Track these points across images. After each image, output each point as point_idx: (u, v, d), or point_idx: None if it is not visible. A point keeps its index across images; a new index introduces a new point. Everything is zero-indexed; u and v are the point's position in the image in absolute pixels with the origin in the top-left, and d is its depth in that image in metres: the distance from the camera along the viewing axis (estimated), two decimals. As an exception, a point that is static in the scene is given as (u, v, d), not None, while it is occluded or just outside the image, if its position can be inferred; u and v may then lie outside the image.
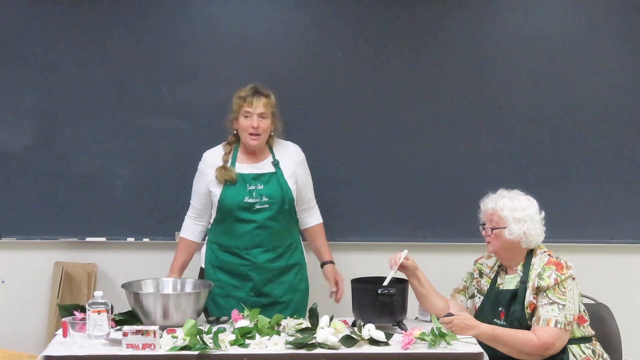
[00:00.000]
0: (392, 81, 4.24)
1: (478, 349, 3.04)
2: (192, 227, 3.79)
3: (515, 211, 3.26)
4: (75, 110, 4.19)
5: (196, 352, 2.95)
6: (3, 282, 4.27)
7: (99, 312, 3.06)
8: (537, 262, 3.26)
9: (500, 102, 4.26)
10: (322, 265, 3.85)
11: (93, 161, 4.21)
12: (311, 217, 3.86)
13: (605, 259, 4.35)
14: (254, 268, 3.68)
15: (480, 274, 3.45)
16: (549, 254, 3.28)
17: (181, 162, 4.19)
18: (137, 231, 4.24)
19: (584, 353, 3.23)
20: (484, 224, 3.36)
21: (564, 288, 3.18)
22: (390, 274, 3.31)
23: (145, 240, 4.25)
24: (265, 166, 3.71)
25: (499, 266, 3.40)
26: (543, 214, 3.32)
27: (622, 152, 4.29)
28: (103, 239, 4.23)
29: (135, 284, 3.46)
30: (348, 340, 3.04)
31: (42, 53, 4.16)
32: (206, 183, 3.70)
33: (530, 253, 3.30)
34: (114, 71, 4.19)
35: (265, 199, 3.65)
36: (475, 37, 4.24)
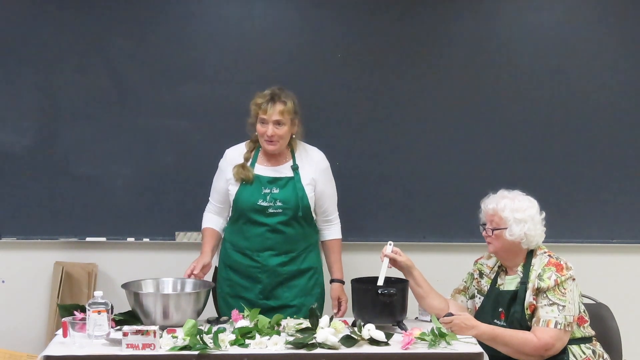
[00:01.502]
0: (392, 81, 4.24)
1: (478, 349, 3.04)
2: (214, 219, 3.75)
3: (516, 212, 3.26)
4: (75, 110, 4.19)
5: (196, 352, 2.95)
6: (3, 282, 4.27)
7: (99, 312, 3.06)
8: (537, 262, 3.26)
9: (500, 102, 4.26)
10: (330, 282, 3.78)
11: (93, 161, 4.21)
12: (329, 230, 3.78)
13: (605, 259, 4.35)
14: (263, 271, 3.64)
15: (481, 275, 3.45)
16: (549, 255, 3.28)
17: (181, 162, 4.20)
18: (137, 231, 4.24)
19: (584, 353, 3.23)
20: (485, 225, 3.36)
21: (564, 289, 3.18)
22: (382, 268, 3.30)
23: (145, 240, 4.25)
24: (283, 170, 3.67)
25: (499, 267, 3.40)
26: (544, 214, 3.32)
27: (622, 152, 4.29)
28: (103, 239, 4.23)
29: (135, 284, 3.46)
30: (348, 340, 3.04)
31: (42, 53, 4.16)
32: (225, 181, 3.68)
33: (531, 254, 3.30)
34: (114, 71, 4.19)
35: (279, 204, 3.61)
36: (475, 37, 4.24)
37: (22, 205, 4.19)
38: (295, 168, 3.66)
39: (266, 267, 3.64)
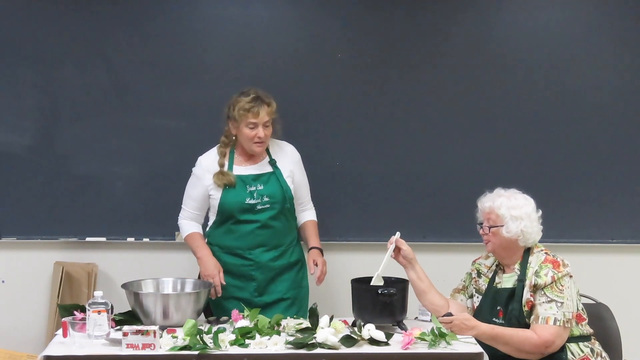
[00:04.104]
0: (392, 81, 4.24)
1: (478, 349, 3.04)
2: (194, 225, 3.78)
3: (513, 209, 3.27)
4: (75, 110, 4.19)
5: (196, 352, 2.95)
6: (3, 282, 4.27)
7: (99, 312, 3.06)
8: (534, 260, 3.27)
9: (500, 102, 4.26)
10: (309, 250, 3.80)
11: (93, 161, 4.21)
12: (304, 213, 3.84)
13: (605, 259, 4.35)
14: (257, 267, 3.67)
15: (478, 274, 3.46)
16: (545, 253, 3.29)
17: (181, 162, 4.18)
18: (137, 231, 4.24)
19: (582, 351, 3.23)
20: (482, 223, 3.36)
21: (562, 286, 3.18)
22: (386, 255, 3.31)
23: (145, 240, 4.25)
24: (263, 166, 3.71)
25: (496, 265, 3.41)
26: (540, 212, 3.33)
27: (622, 152, 4.29)
28: (103, 239, 4.23)
29: (135, 284, 3.46)
30: (348, 340, 3.04)
31: (42, 53, 4.16)
32: (204, 188, 3.69)
33: (528, 252, 3.31)
34: (114, 71, 4.19)
35: (266, 199, 3.65)
36: (474, 37, 4.24)
37: (22, 205, 4.20)
38: (273, 163, 3.71)
39: (260, 264, 3.67)
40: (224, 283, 3.61)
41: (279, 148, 3.77)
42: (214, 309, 3.67)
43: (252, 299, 3.64)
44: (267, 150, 3.74)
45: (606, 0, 4.27)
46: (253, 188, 3.66)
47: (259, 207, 3.65)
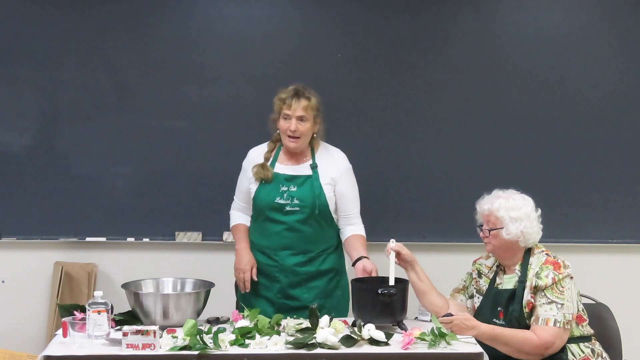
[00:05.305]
0: (392, 81, 4.24)
1: (478, 349, 3.04)
2: (242, 216, 3.75)
3: (512, 211, 3.27)
4: (75, 110, 4.19)
5: (196, 352, 2.95)
6: (3, 282, 4.27)
7: (99, 312, 3.06)
8: (535, 261, 3.27)
9: (500, 102, 4.26)
10: (355, 262, 3.56)
11: (93, 161, 4.21)
12: (350, 227, 3.67)
13: (605, 259, 4.36)
14: (281, 270, 3.63)
15: (479, 274, 3.46)
16: (546, 254, 3.29)
17: (181, 162, 4.20)
18: (137, 231, 4.24)
19: (583, 352, 3.23)
20: (481, 226, 3.36)
21: (562, 287, 3.18)
22: (390, 263, 3.30)
23: (145, 240, 4.25)
24: (302, 168, 3.65)
25: (497, 266, 3.41)
26: (539, 211, 3.33)
27: (622, 152, 4.29)
28: (103, 239, 4.23)
29: (135, 284, 3.46)
30: (348, 340, 3.04)
31: (42, 53, 4.16)
32: (247, 180, 3.68)
33: (528, 252, 3.31)
34: (114, 71, 4.19)
35: (296, 202, 3.59)
36: (475, 37, 4.24)
37: (22, 205, 4.20)
38: (314, 167, 3.64)
39: (284, 267, 3.62)
40: (255, 279, 3.59)
41: (327, 153, 3.70)
42: (243, 304, 3.64)
43: (276, 300, 3.62)
44: (312, 154, 3.68)
45: (607, 1, 4.28)
46: (285, 188, 3.61)
47: (288, 208, 3.59)
